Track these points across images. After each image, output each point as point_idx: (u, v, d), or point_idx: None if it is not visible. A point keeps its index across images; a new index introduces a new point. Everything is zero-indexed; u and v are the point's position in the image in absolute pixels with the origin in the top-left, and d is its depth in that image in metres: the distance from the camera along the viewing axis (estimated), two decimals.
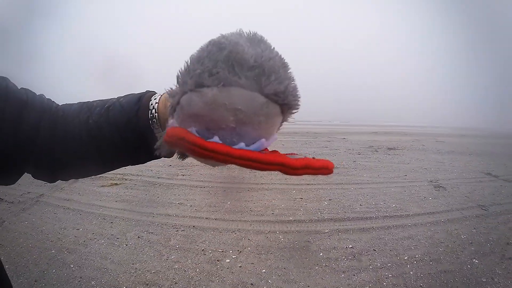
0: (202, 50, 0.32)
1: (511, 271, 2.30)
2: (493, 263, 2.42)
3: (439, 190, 4.35)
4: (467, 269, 2.31)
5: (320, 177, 4.14)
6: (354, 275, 2.14)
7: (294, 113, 0.35)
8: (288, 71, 0.33)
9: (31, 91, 0.46)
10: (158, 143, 0.36)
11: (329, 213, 3.10)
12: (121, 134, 0.43)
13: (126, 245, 2.43)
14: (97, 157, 0.45)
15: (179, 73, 0.33)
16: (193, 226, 2.79)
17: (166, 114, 0.40)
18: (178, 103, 0.33)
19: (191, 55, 0.32)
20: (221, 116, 0.30)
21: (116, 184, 3.95)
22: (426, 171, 5.50)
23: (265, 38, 0.34)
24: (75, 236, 2.57)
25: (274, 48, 0.34)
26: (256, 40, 0.33)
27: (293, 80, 0.33)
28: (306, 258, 2.30)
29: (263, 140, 0.33)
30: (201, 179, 4.29)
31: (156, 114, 0.42)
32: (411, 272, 2.22)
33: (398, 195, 3.95)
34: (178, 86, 0.33)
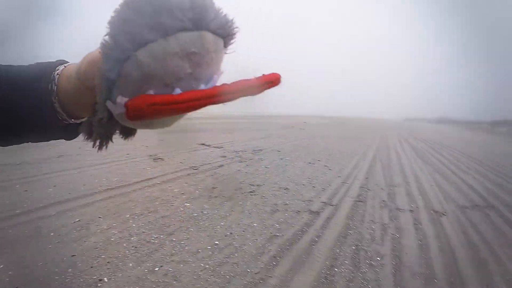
0: (123, 10, 0.27)
1: (216, 205, 3.12)
2: (203, 202, 3.16)
3: (157, 161, 5.03)
4: (180, 211, 2.90)
5: (42, 167, 4.21)
6: (85, 241, 2.33)
7: (232, 43, 0.33)
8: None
9: None
10: (82, 127, 0.32)
11: (54, 198, 3.13)
12: (22, 99, 0.37)
13: None
14: (12, 123, 0.39)
15: (104, 44, 0.28)
16: None
17: (68, 90, 0.37)
18: (118, 75, 0.28)
19: (110, 21, 0.28)
20: (177, 66, 0.28)
21: None
22: (147, 148, 6.07)
23: None
24: None
25: None
26: None
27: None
28: (39, 242, 2.31)
29: (215, 76, 0.33)
30: None
31: (56, 87, 0.37)
32: (134, 225, 2.60)
33: (119, 171, 4.31)
34: (106, 60, 0.28)
